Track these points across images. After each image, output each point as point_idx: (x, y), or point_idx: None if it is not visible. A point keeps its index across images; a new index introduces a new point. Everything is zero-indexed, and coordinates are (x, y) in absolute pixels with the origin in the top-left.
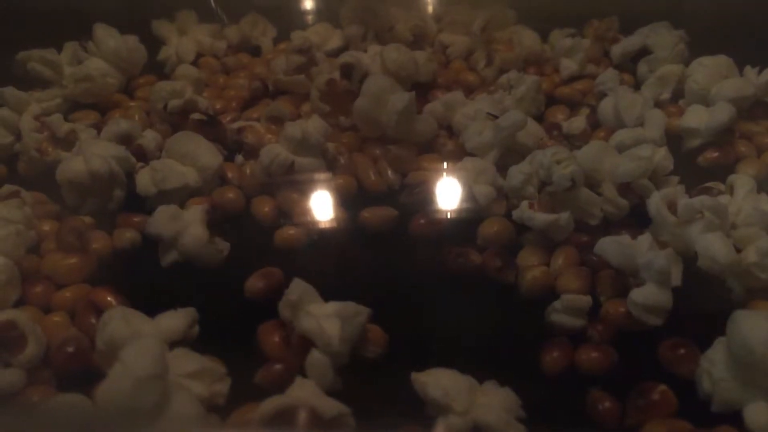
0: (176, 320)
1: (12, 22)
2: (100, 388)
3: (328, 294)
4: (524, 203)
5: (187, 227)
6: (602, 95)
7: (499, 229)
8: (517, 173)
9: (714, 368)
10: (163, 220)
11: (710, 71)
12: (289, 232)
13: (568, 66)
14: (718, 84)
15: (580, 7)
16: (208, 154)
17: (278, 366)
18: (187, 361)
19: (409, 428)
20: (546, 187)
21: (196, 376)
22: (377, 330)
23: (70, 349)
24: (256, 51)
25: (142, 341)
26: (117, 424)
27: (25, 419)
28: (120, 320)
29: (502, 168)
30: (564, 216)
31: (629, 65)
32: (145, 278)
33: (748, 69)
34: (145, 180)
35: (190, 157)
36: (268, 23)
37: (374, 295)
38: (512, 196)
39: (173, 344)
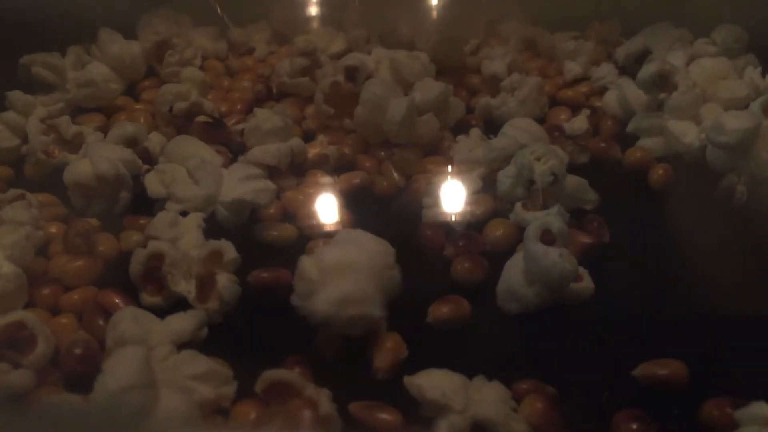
0: (185, 322)
1: (17, 26)
2: (89, 397)
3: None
4: (518, 205)
5: (183, 233)
6: (603, 89)
7: (505, 231)
8: (504, 178)
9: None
10: (161, 225)
11: (708, 72)
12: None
13: (572, 68)
14: (714, 85)
15: (583, 10)
16: (207, 156)
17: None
18: (194, 363)
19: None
20: (532, 186)
21: (204, 378)
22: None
23: (79, 351)
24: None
25: (125, 351)
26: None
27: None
28: (131, 320)
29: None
30: (553, 209)
31: (635, 67)
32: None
33: (749, 69)
34: (154, 182)
35: (190, 160)
36: (268, 26)
37: None
38: (505, 200)
39: (182, 345)
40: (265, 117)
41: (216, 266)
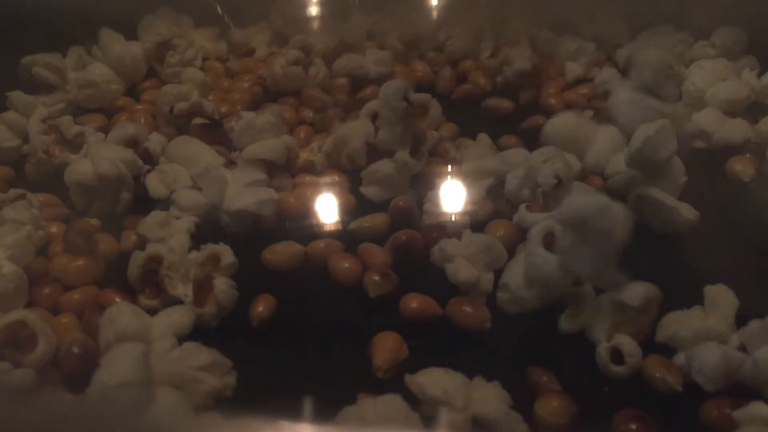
0: (184, 314)
1: (18, 26)
2: (87, 391)
3: (336, 296)
4: (522, 206)
5: (172, 235)
6: (607, 93)
7: (506, 232)
8: (512, 178)
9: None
10: (152, 223)
11: (708, 74)
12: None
13: (573, 69)
14: (714, 87)
15: (585, 12)
16: (208, 157)
17: None
18: (198, 354)
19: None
20: (538, 188)
21: (209, 368)
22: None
23: (77, 351)
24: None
25: (123, 347)
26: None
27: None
28: (131, 315)
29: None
30: (554, 213)
31: None
32: None
33: (746, 71)
34: (156, 183)
35: (191, 161)
36: (268, 27)
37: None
38: (512, 200)
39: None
40: (255, 115)
41: (214, 270)
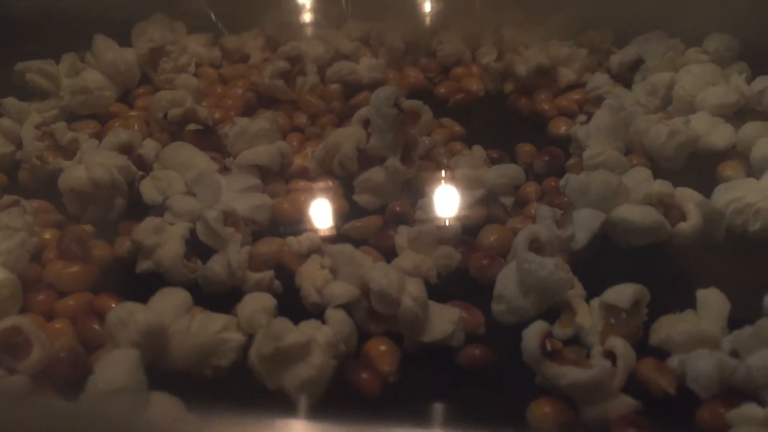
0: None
1: (11, 33)
2: (81, 397)
3: None
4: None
5: (167, 241)
6: (600, 99)
7: (499, 237)
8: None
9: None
10: (146, 229)
11: (697, 79)
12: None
13: (566, 74)
14: (703, 92)
15: (577, 17)
16: (202, 163)
17: None
18: (214, 320)
19: None
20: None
21: (227, 328)
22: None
23: (62, 356)
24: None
25: (117, 353)
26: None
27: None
28: (142, 310)
29: None
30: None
31: (628, 76)
32: (146, 287)
33: (735, 76)
34: (150, 189)
35: (185, 167)
36: (262, 33)
37: None
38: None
39: None
40: (249, 121)
41: None
